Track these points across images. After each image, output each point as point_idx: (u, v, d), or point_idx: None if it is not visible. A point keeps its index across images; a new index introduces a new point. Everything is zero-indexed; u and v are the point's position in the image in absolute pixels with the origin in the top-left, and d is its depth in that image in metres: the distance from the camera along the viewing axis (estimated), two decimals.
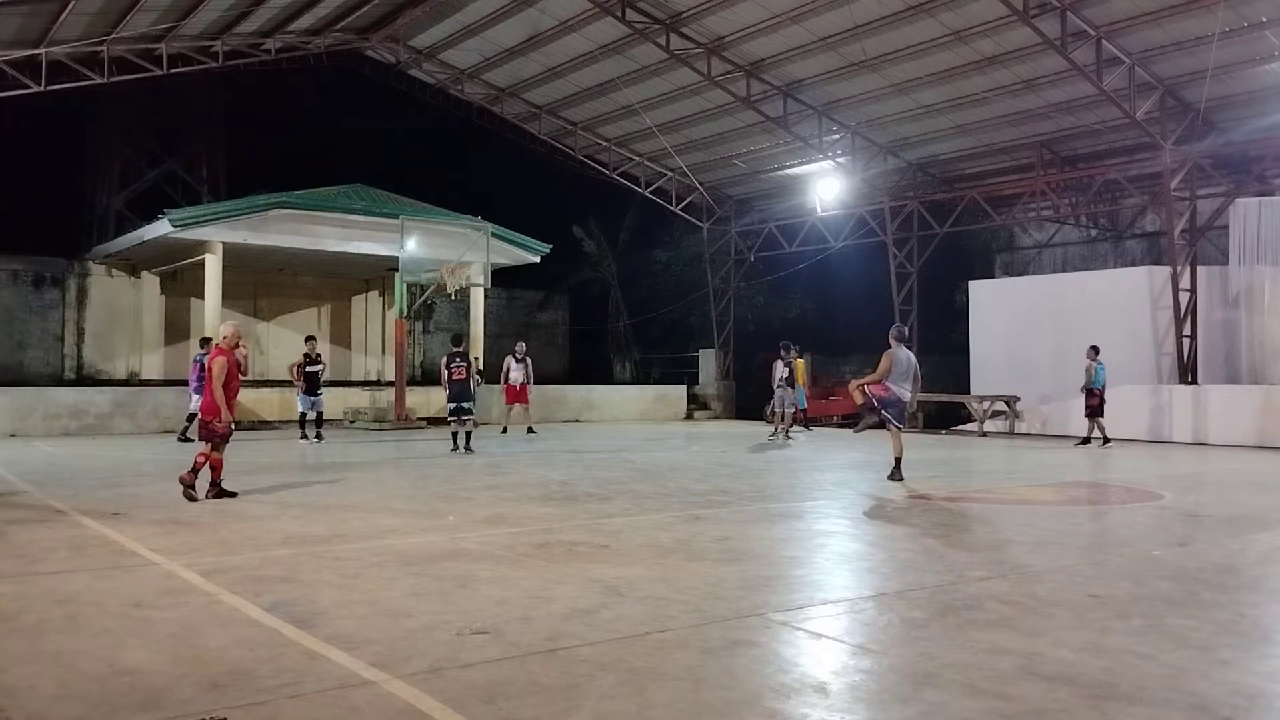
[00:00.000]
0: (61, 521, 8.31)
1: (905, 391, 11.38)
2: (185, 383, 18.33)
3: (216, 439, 9.54)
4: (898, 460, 11.38)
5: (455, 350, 15.82)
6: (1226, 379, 19.70)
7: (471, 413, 15.31)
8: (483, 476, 12.54)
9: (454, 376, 15.38)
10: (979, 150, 22.81)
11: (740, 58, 20.88)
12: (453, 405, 15.44)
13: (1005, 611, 5.34)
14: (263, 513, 8.80)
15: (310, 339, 18.80)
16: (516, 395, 20.11)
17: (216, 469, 9.57)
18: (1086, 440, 17.32)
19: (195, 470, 9.46)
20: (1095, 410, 17.27)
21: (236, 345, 9.90)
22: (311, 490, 10.58)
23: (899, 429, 11.48)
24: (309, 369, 17.70)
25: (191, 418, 17.03)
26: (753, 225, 27.93)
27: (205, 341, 17.07)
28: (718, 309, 28.81)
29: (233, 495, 9.57)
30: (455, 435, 15.28)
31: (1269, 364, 19.47)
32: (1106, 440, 17.15)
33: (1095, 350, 17.41)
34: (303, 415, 17.65)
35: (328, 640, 4.67)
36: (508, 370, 20.17)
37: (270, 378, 24.30)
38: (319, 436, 17.44)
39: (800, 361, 21.56)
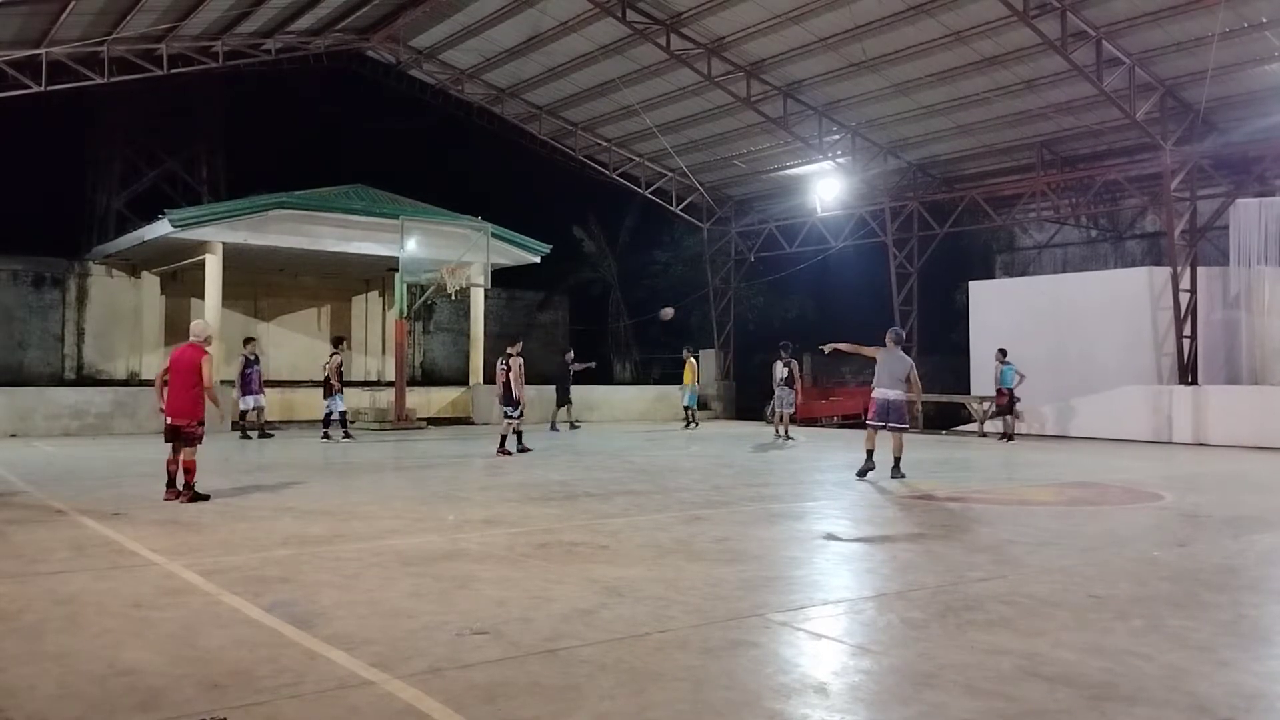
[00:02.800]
0: (61, 522, 8.31)
1: (889, 393, 11.84)
2: None
3: (176, 440, 9.46)
4: (897, 459, 11.89)
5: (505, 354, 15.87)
6: (1227, 379, 19.69)
7: (509, 415, 15.26)
8: (482, 477, 12.54)
9: (499, 379, 15.48)
10: (979, 151, 22.80)
11: (740, 58, 20.88)
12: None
13: (1005, 612, 5.34)
14: (263, 513, 8.80)
15: (340, 339, 19.54)
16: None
17: (189, 471, 9.48)
18: (1008, 436, 18.90)
19: (188, 485, 9.42)
20: (1005, 408, 19.07)
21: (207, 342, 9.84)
22: (311, 490, 10.59)
23: (896, 429, 11.86)
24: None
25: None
26: (753, 225, 27.93)
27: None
28: (718, 309, 28.81)
29: (205, 498, 9.43)
30: (504, 437, 15.29)
31: (1269, 364, 19.46)
32: (1010, 437, 18.83)
33: (1003, 353, 19.19)
34: (328, 415, 18.21)
35: (328, 640, 4.68)
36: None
37: (269, 378, 24.28)
38: (347, 435, 17.98)
39: (692, 361, 22.62)
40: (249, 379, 18.47)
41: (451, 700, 3.87)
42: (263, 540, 7.43)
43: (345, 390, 19.16)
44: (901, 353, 12.03)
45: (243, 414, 18.52)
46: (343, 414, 18.32)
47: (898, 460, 11.86)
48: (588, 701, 3.90)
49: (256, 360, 18.78)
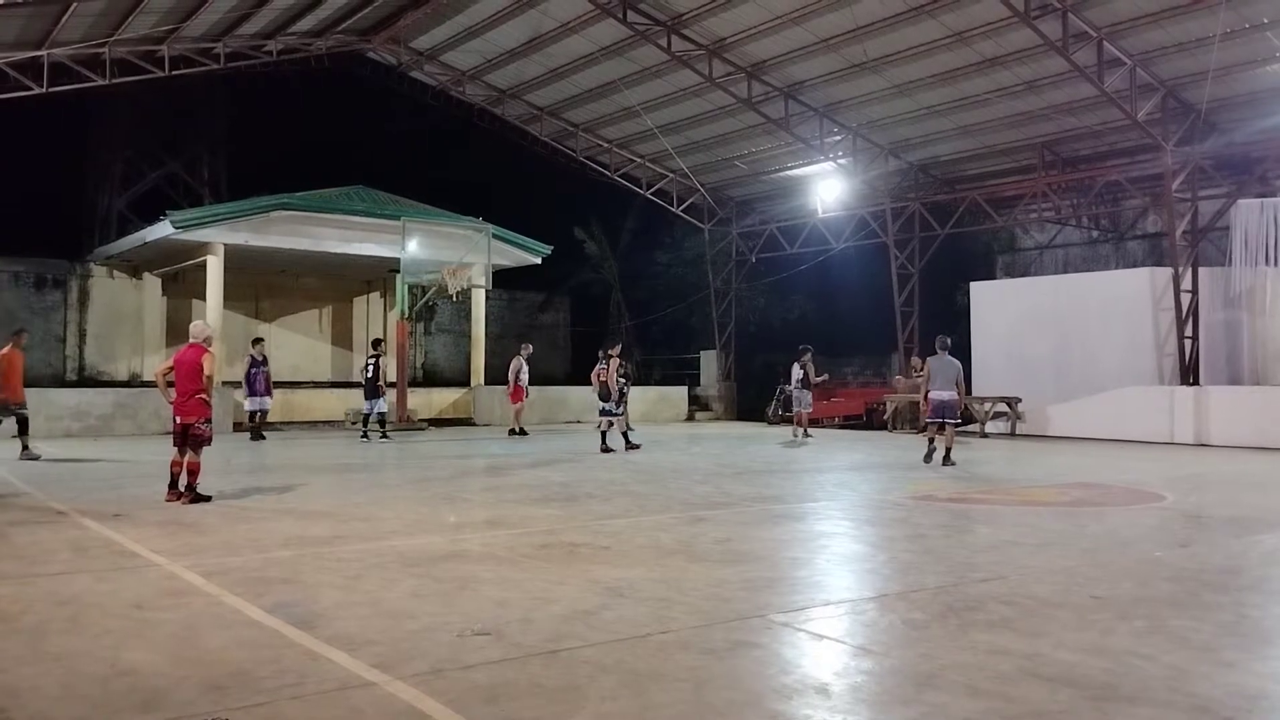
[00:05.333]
0: (63, 523, 8.32)
1: (943, 394, 13.65)
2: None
3: (185, 441, 9.48)
4: (948, 450, 13.63)
5: (605, 353, 16.33)
6: (1228, 380, 19.68)
7: (609, 412, 15.88)
8: (484, 478, 12.55)
9: (600, 378, 16.15)
10: (980, 151, 22.79)
11: (741, 59, 20.88)
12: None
13: (1007, 613, 5.34)
14: (264, 514, 8.80)
15: (379, 341, 19.44)
16: (523, 395, 20.25)
17: (194, 473, 9.47)
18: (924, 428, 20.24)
19: (191, 486, 9.41)
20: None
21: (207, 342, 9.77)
22: (313, 491, 10.59)
23: (951, 425, 13.73)
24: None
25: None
26: (754, 227, 27.92)
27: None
28: (719, 310, 28.80)
29: (207, 500, 9.40)
30: (603, 435, 15.92)
31: (1271, 365, 19.45)
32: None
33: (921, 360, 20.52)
34: (381, 415, 18.37)
35: (329, 641, 4.68)
36: (519, 371, 20.32)
37: (272, 378, 24.27)
38: (384, 435, 18.18)
39: (613, 362, 22.07)
40: (254, 379, 18.31)
41: (453, 701, 3.87)
42: (264, 541, 7.43)
43: (348, 391, 19.26)
44: (950, 357, 13.80)
45: (251, 415, 18.38)
46: (366, 416, 18.47)
47: (949, 451, 13.65)
48: (589, 702, 3.90)
49: (264, 361, 18.60)
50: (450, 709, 3.79)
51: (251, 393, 18.38)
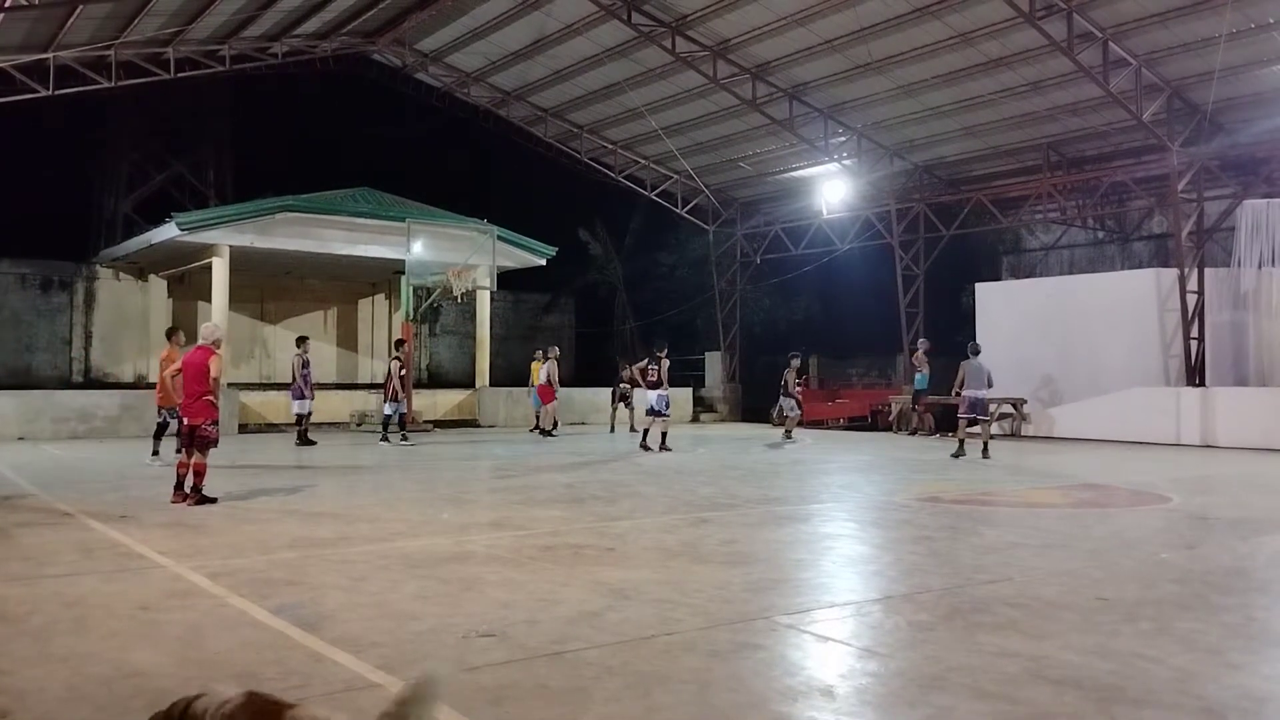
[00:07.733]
0: (69, 524, 8.33)
1: (973, 393, 15.22)
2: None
3: (192, 443, 9.48)
4: (961, 442, 15.33)
5: (655, 355, 16.52)
6: (1234, 381, 19.62)
7: (662, 413, 16.24)
8: (489, 479, 12.55)
9: (648, 377, 16.53)
10: (985, 152, 22.76)
11: (746, 60, 20.87)
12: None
13: (1012, 614, 5.33)
14: (269, 515, 8.81)
15: (401, 342, 19.16)
16: (553, 395, 20.33)
17: (199, 474, 9.45)
18: (914, 432, 21.79)
19: (196, 487, 9.41)
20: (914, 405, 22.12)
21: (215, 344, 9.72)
22: (318, 493, 10.60)
23: (980, 421, 15.56)
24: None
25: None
26: (759, 228, 27.91)
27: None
28: (724, 311, 28.78)
29: (213, 501, 9.38)
30: (664, 435, 16.37)
31: (1277, 366, 19.39)
32: (914, 433, 21.64)
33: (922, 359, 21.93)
34: (386, 418, 18.05)
35: (334, 643, 4.68)
36: (550, 375, 20.38)
37: (277, 380, 24.37)
38: (404, 438, 17.73)
39: (537, 365, 21.80)
40: (306, 380, 17.62)
41: (458, 703, 3.86)
42: (269, 542, 7.44)
43: (353, 393, 19.12)
44: (980, 361, 15.33)
45: (298, 418, 17.64)
46: (387, 418, 18.13)
47: (962, 443, 15.30)
48: (594, 704, 3.90)
49: (307, 362, 17.80)
50: (455, 711, 3.78)
51: (300, 395, 17.62)
